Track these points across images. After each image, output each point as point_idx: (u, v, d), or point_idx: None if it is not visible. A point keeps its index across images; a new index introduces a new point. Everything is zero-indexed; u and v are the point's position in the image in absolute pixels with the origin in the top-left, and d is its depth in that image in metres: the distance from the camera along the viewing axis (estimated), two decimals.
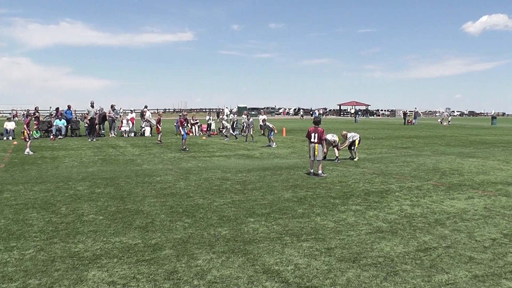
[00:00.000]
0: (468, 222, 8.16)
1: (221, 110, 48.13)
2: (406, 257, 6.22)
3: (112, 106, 32.78)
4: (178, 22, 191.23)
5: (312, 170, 13.52)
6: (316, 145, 13.24)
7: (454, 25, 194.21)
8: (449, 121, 62.36)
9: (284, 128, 36.51)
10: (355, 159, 17.51)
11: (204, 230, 7.51)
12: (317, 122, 13.89)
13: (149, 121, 33.08)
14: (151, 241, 6.88)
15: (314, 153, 13.32)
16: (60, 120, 30.43)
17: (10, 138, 28.87)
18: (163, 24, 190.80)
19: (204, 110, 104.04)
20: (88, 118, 28.46)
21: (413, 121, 61.76)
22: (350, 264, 5.94)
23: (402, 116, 66.69)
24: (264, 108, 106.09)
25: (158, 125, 27.69)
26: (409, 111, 74.39)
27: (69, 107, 32.45)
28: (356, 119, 71.53)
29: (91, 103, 29.40)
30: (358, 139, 17.60)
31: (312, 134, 13.46)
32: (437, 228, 7.75)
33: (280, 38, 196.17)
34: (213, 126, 35.11)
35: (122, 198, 10.14)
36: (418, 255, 6.29)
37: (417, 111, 70.35)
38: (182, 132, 22.32)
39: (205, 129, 34.57)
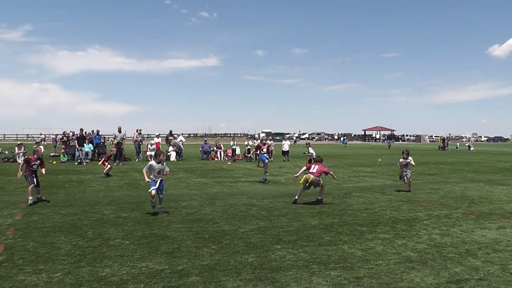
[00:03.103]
0: (501, 253, 7.94)
1: (255, 136, 48.05)
2: None
3: (138, 130, 33.04)
4: (203, 48, 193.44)
5: (297, 197, 13.29)
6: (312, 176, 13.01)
7: (480, 48, 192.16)
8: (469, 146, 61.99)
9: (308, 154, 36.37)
10: None
11: (230, 257, 7.46)
12: (319, 160, 13.97)
13: (176, 145, 33.22)
14: (177, 267, 6.84)
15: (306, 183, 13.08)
16: (88, 144, 30.78)
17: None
18: (189, 50, 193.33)
19: (228, 135, 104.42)
20: (115, 142, 28.77)
21: (446, 146, 61.41)
22: None
23: (441, 142, 65.92)
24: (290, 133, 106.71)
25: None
26: (435, 137, 73.91)
27: (97, 132, 32.88)
28: (390, 145, 70.47)
29: (118, 128, 29.80)
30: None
31: (313, 166, 13.39)
32: (469, 259, 7.55)
33: (304, 63, 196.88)
34: (237, 151, 35.18)
35: (148, 223, 10.15)
36: (449, 287, 6.13)
37: (450, 137, 70.16)
38: (261, 158, 20.37)
39: (230, 154, 34.64)
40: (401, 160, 16.26)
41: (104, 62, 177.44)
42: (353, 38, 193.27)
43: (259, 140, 30.98)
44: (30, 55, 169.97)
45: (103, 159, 21.20)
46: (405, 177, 15.96)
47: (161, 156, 11.79)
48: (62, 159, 30.21)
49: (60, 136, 40.21)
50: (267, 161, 19.97)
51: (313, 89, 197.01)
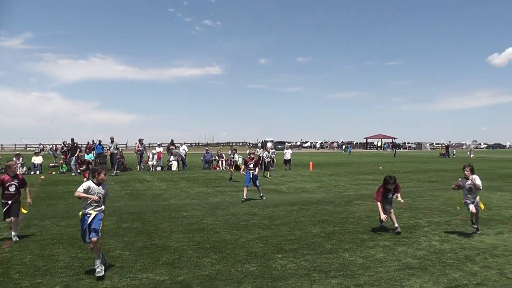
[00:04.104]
0: (499, 258, 7.98)
1: (258, 144, 47.55)
2: None
3: (140, 140, 33.02)
4: (206, 56, 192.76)
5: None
6: None
7: (480, 57, 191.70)
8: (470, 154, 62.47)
9: (311, 162, 36.38)
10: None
11: (232, 267, 7.42)
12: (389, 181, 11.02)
13: (177, 154, 33.15)
14: (178, 278, 6.80)
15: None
16: (88, 154, 30.78)
17: (38, 172, 29.22)
18: (192, 59, 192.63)
19: (230, 144, 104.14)
20: (109, 153, 28.85)
21: (448, 154, 61.95)
22: None
23: (445, 149, 66.94)
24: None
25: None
26: (436, 144, 74.13)
27: (99, 141, 32.94)
28: (395, 153, 70.42)
29: (110, 138, 29.90)
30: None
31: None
32: (467, 264, 7.58)
33: (307, 72, 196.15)
34: (240, 161, 35.01)
35: (149, 233, 10.11)
36: None
37: (451, 144, 70.70)
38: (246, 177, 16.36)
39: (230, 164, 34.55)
40: (460, 179, 10.26)
41: (106, 71, 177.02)
42: (356, 46, 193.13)
43: (261, 150, 29.93)
44: (30, 63, 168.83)
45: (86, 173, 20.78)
46: (470, 206, 9.93)
47: (102, 175, 7.55)
48: (61, 170, 30.17)
49: (60, 146, 40.23)
50: (257, 183, 16.24)
51: (316, 98, 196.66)
